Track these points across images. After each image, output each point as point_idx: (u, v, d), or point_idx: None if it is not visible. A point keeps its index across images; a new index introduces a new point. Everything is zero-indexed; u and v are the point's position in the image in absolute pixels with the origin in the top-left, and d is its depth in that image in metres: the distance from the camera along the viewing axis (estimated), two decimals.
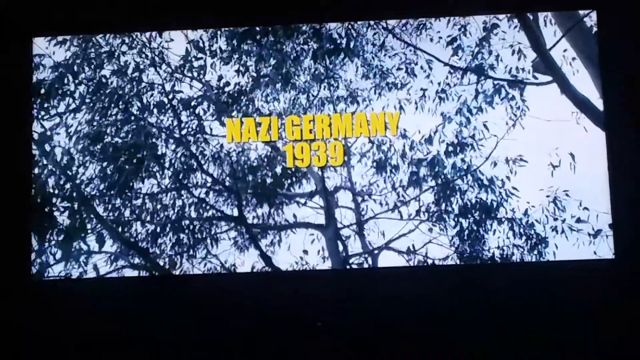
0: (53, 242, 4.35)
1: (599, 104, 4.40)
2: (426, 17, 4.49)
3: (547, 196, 4.42)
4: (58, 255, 4.32)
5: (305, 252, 4.44)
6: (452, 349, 2.20)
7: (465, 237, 4.42)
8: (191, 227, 4.43)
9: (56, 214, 4.34)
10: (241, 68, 4.51)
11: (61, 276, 4.29)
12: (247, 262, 4.42)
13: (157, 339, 2.27)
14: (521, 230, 4.42)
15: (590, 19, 4.45)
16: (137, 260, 4.40)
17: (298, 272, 3.93)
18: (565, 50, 4.49)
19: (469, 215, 4.43)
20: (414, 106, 4.50)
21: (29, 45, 4.21)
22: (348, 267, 4.42)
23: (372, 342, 2.17)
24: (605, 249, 4.30)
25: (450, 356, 2.26)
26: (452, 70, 4.51)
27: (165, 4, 3.90)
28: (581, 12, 4.45)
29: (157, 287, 2.54)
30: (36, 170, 4.29)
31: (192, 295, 2.71)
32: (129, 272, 4.36)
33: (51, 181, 4.39)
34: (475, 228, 4.42)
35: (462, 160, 4.46)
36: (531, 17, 4.51)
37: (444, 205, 4.46)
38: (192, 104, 4.51)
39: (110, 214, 4.43)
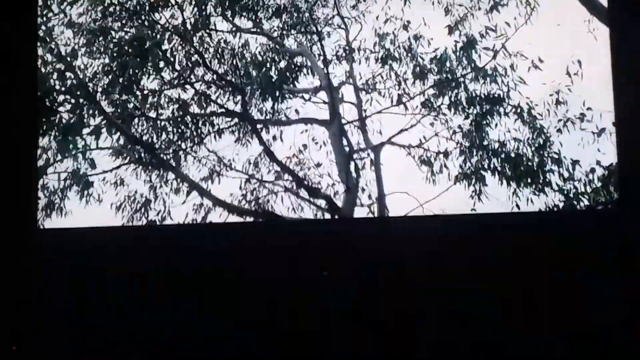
0: (57, 138, 4.29)
1: None
2: None
3: (551, 95, 4.40)
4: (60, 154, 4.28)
5: (305, 146, 4.44)
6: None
7: (467, 131, 4.42)
8: (194, 122, 4.40)
9: (61, 109, 4.28)
10: None
11: (68, 171, 4.26)
12: (247, 157, 4.44)
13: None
14: (527, 125, 4.42)
15: None
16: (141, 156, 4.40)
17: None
18: None
19: (473, 109, 4.41)
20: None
21: None
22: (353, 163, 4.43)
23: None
24: (608, 146, 4.32)
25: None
26: None
27: None
28: None
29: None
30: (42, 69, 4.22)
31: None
32: (132, 167, 4.36)
33: (55, 77, 4.32)
34: (479, 120, 4.42)
35: (468, 55, 4.42)
36: None
37: (446, 98, 4.44)
38: None
39: (115, 109, 4.39)
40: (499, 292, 1.98)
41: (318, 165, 4.44)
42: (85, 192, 4.27)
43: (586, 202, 4.49)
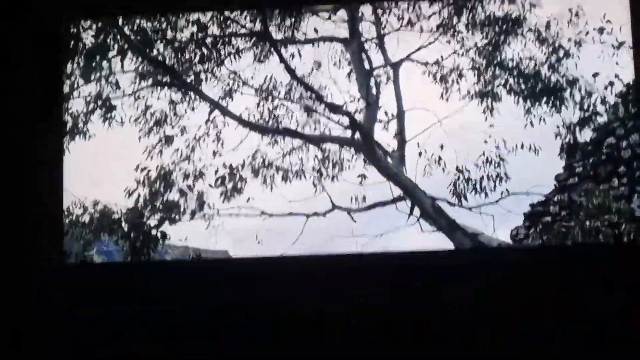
0: (81, 63, 4.41)
1: None
2: None
3: (570, 9, 4.38)
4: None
5: (319, 63, 4.51)
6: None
7: (484, 48, 4.45)
8: (214, 42, 4.48)
9: (83, 35, 4.37)
10: None
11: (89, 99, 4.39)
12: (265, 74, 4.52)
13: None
14: (543, 41, 4.43)
15: None
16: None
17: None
18: None
19: (490, 27, 4.43)
20: None
21: None
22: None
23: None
24: (626, 59, 4.32)
25: None
26: None
27: None
28: None
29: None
30: None
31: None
32: (157, 91, 4.49)
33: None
34: (497, 39, 4.44)
35: None
36: None
37: (463, 18, 4.46)
38: None
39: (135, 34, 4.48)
40: None
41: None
42: (109, 115, 4.45)
43: (604, 119, 4.54)
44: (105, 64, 4.37)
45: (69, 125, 4.29)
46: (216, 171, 4.50)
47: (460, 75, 4.48)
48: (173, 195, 4.51)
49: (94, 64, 4.28)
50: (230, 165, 4.53)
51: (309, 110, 4.55)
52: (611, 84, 4.44)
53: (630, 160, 4.45)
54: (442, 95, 4.51)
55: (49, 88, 2.59)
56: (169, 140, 4.57)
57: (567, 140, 4.48)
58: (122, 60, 4.40)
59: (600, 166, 4.55)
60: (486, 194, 4.45)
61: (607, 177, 4.50)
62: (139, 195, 4.48)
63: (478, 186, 4.44)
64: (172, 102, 4.52)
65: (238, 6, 3.72)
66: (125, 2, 2.85)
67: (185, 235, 4.45)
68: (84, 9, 2.88)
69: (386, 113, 4.57)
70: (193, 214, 4.49)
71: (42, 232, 2.50)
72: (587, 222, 4.38)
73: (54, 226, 2.56)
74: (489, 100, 4.44)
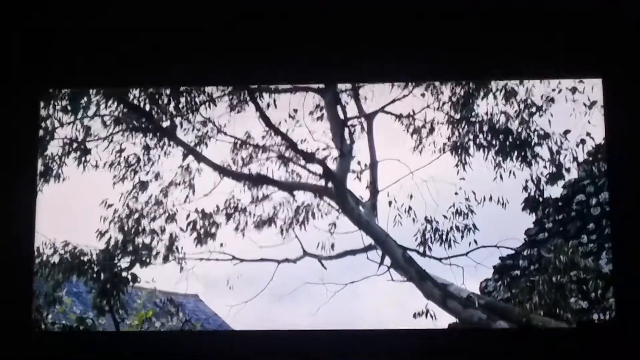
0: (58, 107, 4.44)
1: None
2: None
3: None
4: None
5: (295, 110, 4.57)
6: None
7: (456, 103, 4.53)
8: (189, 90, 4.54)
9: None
10: None
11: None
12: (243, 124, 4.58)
13: None
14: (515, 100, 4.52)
15: None
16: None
17: None
18: None
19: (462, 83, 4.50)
20: None
21: None
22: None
23: None
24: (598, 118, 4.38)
25: None
26: None
27: None
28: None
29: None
30: None
31: None
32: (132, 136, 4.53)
33: None
34: (468, 93, 4.52)
35: None
36: None
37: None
38: None
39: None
40: None
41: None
42: (83, 159, 4.48)
43: (575, 175, 4.60)
44: (81, 106, 4.42)
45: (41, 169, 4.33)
46: (187, 216, 4.54)
47: (432, 129, 4.55)
48: (145, 239, 4.53)
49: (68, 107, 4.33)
50: (203, 210, 4.57)
51: (283, 159, 4.60)
52: (582, 141, 4.51)
53: (600, 218, 4.50)
54: (414, 147, 4.58)
55: (25, 133, 2.63)
56: (143, 186, 4.62)
57: (533, 194, 4.54)
58: (98, 105, 4.46)
59: (569, 222, 4.60)
60: (449, 245, 4.51)
61: (577, 234, 4.56)
62: (110, 237, 4.50)
63: (444, 237, 4.49)
64: (146, 147, 4.57)
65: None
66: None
67: (154, 278, 4.48)
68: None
69: (359, 163, 4.62)
70: (166, 257, 4.51)
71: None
72: (554, 278, 4.43)
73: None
74: (460, 152, 4.50)
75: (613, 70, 2.91)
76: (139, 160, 4.57)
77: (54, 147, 4.41)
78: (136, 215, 4.53)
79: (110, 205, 4.44)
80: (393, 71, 3.20)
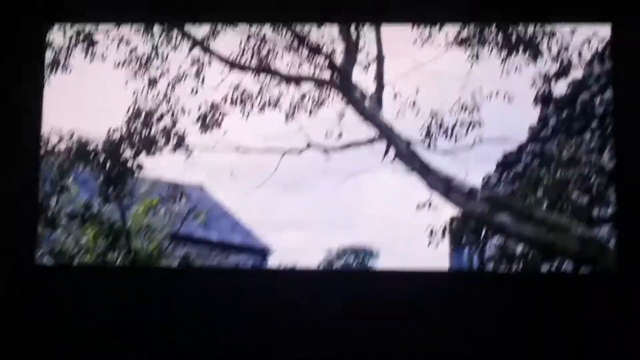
0: None
1: None
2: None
3: None
4: None
5: None
6: None
7: None
8: None
9: None
10: None
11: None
12: None
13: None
14: None
15: None
16: None
17: None
18: None
19: None
20: None
21: None
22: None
23: None
24: None
25: None
26: None
27: None
28: None
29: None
30: None
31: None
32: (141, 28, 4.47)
33: None
34: None
35: None
36: None
37: None
38: None
39: None
40: None
41: None
42: (90, 50, 4.47)
43: (580, 73, 4.60)
44: None
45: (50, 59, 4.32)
46: (199, 107, 4.55)
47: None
48: (152, 128, 4.55)
49: None
50: (212, 102, 4.58)
51: (291, 50, 4.58)
52: (588, 40, 4.49)
53: (603, 116, 4.51)
54: (423, 41, 4.54)
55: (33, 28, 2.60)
56: (152, 82, 4.61)
57: (542, 91, 4.54)
58: None
59: (574, 120, 4.62)
60: (455, 139, 4.52)
61: (580, 131, 4.58)
62: (118, 128, 4.53)
63: (448, 132, 4.51)
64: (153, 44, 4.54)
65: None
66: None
67: (160, 168, 4.51)
68: None
69: (368, 55, 4.61)
70: (169, 144, 4.52)
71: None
72: (557, 173, 4.46)
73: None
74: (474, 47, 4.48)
75: None
76: (149, 58, 4.54)
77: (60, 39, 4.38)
78: (144, 105, 4.54)
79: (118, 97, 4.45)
80: None
